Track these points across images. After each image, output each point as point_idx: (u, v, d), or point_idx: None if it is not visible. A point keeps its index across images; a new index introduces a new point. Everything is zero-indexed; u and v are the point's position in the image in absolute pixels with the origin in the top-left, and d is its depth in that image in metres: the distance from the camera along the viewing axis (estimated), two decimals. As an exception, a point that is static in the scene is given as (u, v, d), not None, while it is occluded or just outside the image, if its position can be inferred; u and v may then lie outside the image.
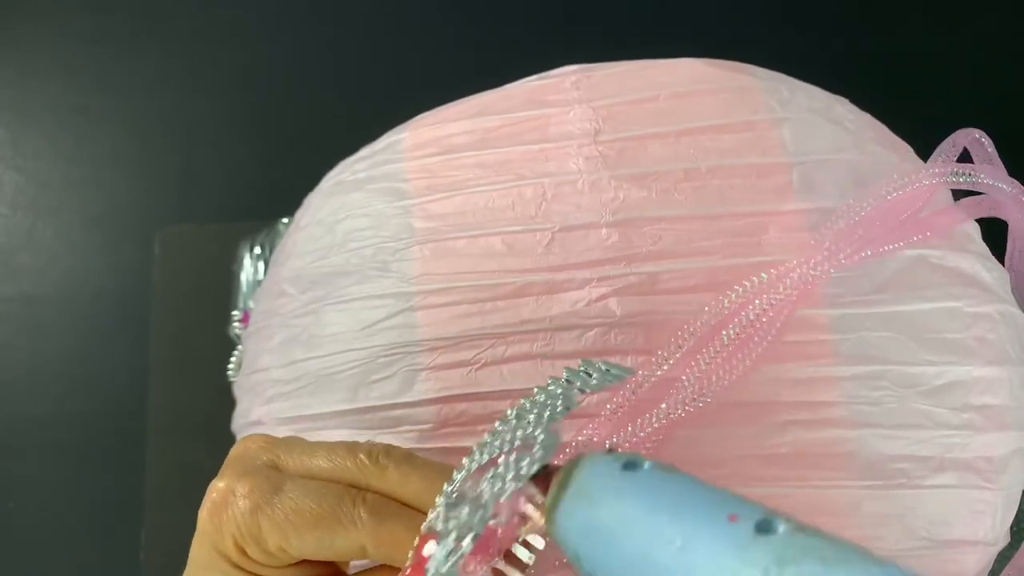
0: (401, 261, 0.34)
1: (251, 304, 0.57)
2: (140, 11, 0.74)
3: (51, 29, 0.74)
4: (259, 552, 0.24)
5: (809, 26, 0.70)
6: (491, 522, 0.21)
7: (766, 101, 0.35)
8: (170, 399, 0.63)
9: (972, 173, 0.33)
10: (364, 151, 0.39)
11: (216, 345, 0.56)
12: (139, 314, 0.65)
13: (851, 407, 0.31)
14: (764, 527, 0.18)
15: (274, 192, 0.55)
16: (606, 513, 0.20)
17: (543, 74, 0.37)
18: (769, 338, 0.30)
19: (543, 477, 0.22)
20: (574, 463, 0.22)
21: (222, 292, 0.59)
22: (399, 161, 0.36)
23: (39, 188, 0.70)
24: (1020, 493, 0.33)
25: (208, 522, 0.24)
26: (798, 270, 0.31)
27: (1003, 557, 0.33)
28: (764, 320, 0.30)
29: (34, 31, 0.74)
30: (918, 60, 0.68)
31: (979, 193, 0.33)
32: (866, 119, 0.37)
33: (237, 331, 0.56)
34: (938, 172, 0.32)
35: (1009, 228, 0.35)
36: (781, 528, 0.18)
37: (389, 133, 0.39)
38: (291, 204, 0.41)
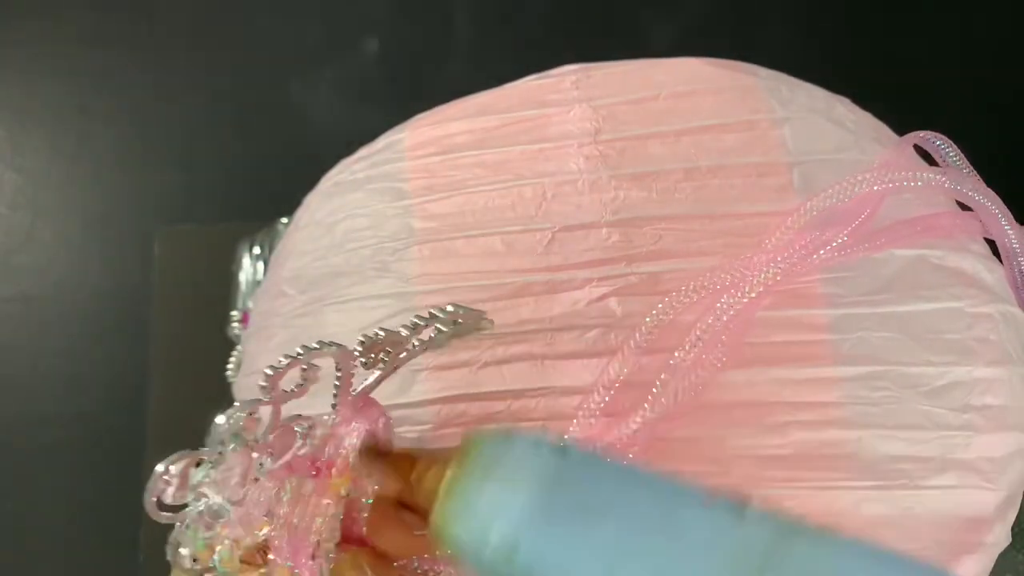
0: (400, 261, 0.34)
1: (250, 304, 0.57)
2: (140, 11, 0.74)
3: (51, 29, 0.73)
4: None
5: (809, 26, 0.70)
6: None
7: (767, 101, 0.35)
8: (169, 399, 0.63)
9: (936, 174, 0.33)
10: (363, 151, 0.39)
11: (215, 345, 0.56)
12: (138, 314, 0.65)
13: (852, 408, 0.31)
14: None
15: (273, 192, 0.55)
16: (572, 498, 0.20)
17: (543, 73, 0.37)
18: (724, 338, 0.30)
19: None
20: (477, 443, 0.21)
21: (221, 292, 0.59)
22: (398, 161, 0.36)
23: (38, 188, 0.70)
24: (1021, 494, 0.33)
25: None
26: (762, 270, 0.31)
27: (1004, 558, 0.33)
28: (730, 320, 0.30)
29: (34, 31, 0.74)
30: (918, 60, 0.68)
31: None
32: (867, 119, 0.37)
33: (236, 331, 0.56)
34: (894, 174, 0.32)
35: (1000, 248, 0.35)
36: None
37: (388, 133, 0.39)
38: (290, 204, 0.41)
